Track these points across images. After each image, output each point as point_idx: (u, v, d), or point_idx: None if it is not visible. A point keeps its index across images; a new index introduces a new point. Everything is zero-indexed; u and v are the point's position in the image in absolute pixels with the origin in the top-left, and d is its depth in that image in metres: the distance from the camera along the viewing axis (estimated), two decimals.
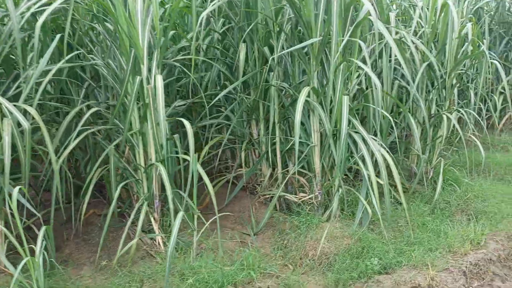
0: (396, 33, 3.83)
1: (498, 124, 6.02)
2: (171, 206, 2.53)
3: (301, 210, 3.22)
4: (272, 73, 3.24)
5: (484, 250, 2.64)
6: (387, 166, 4.03)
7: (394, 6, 4.54)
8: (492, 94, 5.93)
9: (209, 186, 2.67)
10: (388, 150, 3.01)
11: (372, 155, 3.00)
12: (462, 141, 4.15)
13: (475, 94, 5.24)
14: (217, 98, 3.15)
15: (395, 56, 3.62)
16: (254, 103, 3.44)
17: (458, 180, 3.73)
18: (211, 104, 3.18)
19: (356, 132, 2.94)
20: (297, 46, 2.80)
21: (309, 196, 3.26)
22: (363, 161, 2.93)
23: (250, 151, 3.76)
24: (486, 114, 6.05)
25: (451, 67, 3.77)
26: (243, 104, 3.51)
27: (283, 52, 2.97)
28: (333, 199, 3.04)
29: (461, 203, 3.49)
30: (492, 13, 6.21)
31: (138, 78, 2.56)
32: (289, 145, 3.38)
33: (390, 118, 3.12)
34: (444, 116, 3.73)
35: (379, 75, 3.60)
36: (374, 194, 2.77)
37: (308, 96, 3.00)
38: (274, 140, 3.45)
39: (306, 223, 2.99)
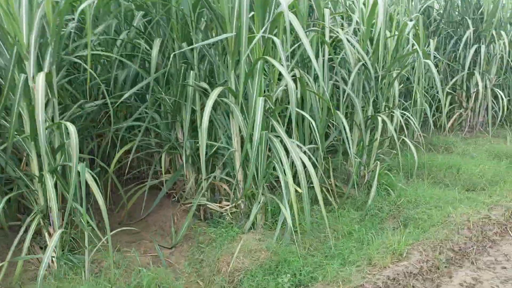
0: (330, 31, 3.67)
1: (446, 125, 5.99)
2: (55, 221, 2.23)
3: (223, 220, 2.99)
4: (192, 71, 2.98)
5: (405, 262, 2.48)
6: (325, 171, 3.92)
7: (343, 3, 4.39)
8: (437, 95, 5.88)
9: (137, 194, 2.38)
10: (311, 155, 2.81)
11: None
12: (407, 143, 4.05)
13: (425, 94, 5.19)
14: (124, 97, 2.87)
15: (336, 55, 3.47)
16: (175, 104, 3.18)
17: (393, 184, 3.59)
18: (118, 103, 2.91)
19: (277, 137, 2.73)
20: (206, 42, 2.56)
21: (232, 205, 3.04)
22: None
23: (176, 156, 3.50)
24: (434, 115, 6.03)
25: (387, 67, 3.63)
26: (166, 105, 3.25)
27: (190, 47, 2.72)
28: (253, 208, 2.82)
29: (393, 209, 3.35)
30: (442, 11, 6.16)
31: (23, 76, 2.25)
32: (214, 150, 3.14)
33: (310, 122, 2.93)
34: (379, 118, 3.58)
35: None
36: (292, 203, 2.56)
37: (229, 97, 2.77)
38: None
39: (223, 235, 2.76)
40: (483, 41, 5.87)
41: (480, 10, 5.88)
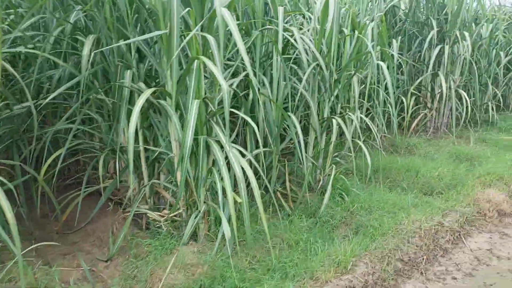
0: (285, 30, 3.51)
1: (410, 126, 5.93)
2: None
3: (163, 230, 2.80)
4: (129, 70, 2.77)
5: (349, 276, 2.35)
6: (286, 176, 3.76)
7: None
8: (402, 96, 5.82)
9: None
10: (253, 160, 2.64)
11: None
12: (369, 145, 3.93)
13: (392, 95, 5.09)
14: (50, 98, 2.64)
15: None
16: (114, 106, 2.96)
17: (348, 189, 3.47)
18: (44, 103, 2.67)
19: (216, 141, 2.55)
20: (135, 39, 2.36)
21: (173, 214, 2.85)
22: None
23: (121, 160, 3.28)
24: (400, 116, 5.96)
25: (343, 67, 3.49)
26: (106, 107, 3.03)
27: (120, 43, 2.51)
28: (191, 218, 2.63)
29: (347, 215, 3.22)
30: (407, 11, 6.09)
31: None
32: (155, 155, 2.94)
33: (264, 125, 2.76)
34: (334, 121, 3.45)
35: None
36: (231, 212, 2.39)
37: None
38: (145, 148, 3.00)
39: (158, 247, 2.56)
40: (447, 42, 5.83)
41: (445, 10, 5.84)
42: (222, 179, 2.43)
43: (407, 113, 5.80)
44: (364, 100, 4.88)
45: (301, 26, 4.14)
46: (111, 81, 2.95)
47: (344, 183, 3.49)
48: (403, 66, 5.93)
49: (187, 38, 2.21)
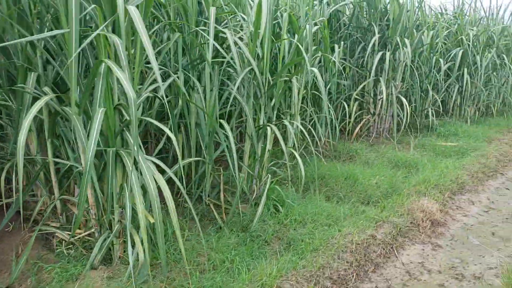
0: (217, 33, 3.31)
1: (352, 132, 5.92)
2: None
3: (72, 251, 2.51)
4: (33, 73, 2.45)
5: None
6: (221, 186, 3.55)
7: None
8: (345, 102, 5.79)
9: None
10: (173, 176, 2.41)
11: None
12: (310, 151, 3.80)
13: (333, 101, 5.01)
14: None
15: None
16: (18, 112, 2.62)
17: (283, 200, 3.31)
18: None
19: (128, 152, 2.29)
20: (31, 38, 2.06)
21: (86, 233, 2.56)
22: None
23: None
24: (343, 121, 5.94)
25: (279, 72, 3.34)
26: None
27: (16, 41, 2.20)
28: (101, 238, 2.37)
29: (280, 229, 3.06)
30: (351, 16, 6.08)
31: None
32: (66, 167, 2.64)
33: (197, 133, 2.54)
34: (269, 128, 3.29)
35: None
36: (142, 233, 2.14)
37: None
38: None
39: (63, 272, 2.27)
40: (389, 48, 5.87)
41: (387, 16, 5.88)
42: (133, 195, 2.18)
43: (351, 118, 5.78)
44: (307, 105, 4.78)
45: (240, 29, 3.95)
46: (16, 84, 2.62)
47: (279, 194, 3.33)
48: (346, 72, 5.90)
49: (89, 38, 1.95)
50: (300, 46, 3.11)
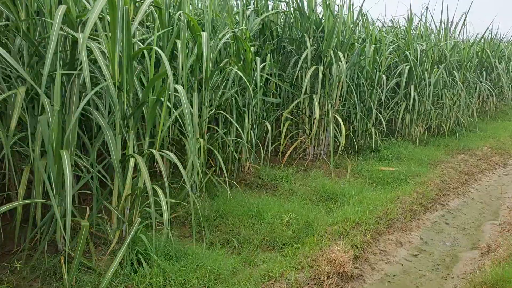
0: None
1: (283, 154, 5.28)
2: None
3: None
4: None
5: None
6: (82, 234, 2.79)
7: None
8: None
9: None
10: None
11: None
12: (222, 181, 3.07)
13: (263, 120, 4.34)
14: None
15: None
16: None
17: (149, 255, 2.59)
18: None
19: None
20: None
21: None
22: None
23: None
24: (275, 142, 5.30)
25: (145, 89, 2.65)
26: None
27: None
28: None
29: None
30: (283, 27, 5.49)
31: None
32: None
33: None
34: (131, 160, 2.58)
35: None
36: None
37: None
38: None
39: None
40: (324, 62, 5.30)
41: (321, 27, 5.32)
42: None
43: (276, 140, 5.15)
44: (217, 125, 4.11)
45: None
46: None
47: (145, 244, 2.61)
48: (273, 88, 5.28)
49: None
50: (164, 57, 2.43)
